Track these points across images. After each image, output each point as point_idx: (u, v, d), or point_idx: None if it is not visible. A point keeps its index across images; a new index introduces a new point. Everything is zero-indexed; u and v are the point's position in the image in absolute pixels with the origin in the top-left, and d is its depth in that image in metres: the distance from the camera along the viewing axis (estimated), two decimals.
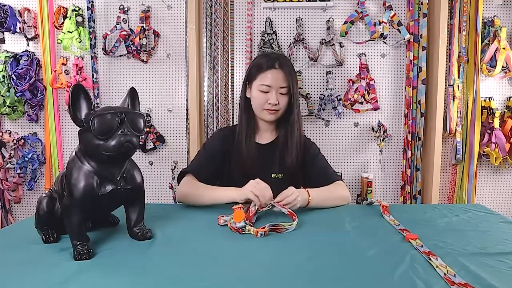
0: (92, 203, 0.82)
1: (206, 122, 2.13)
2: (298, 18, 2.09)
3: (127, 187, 0.85)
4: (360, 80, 2.06)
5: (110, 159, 0.81)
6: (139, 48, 2.07)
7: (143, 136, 0.89)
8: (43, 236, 0.88)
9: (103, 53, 2.12)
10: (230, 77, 2.12)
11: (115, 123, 0.78)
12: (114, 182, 0.83)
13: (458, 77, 2.06)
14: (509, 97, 2.09)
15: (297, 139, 1.36)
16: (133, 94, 0.92)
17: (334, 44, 2.08)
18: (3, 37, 2.15)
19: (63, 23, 2.09)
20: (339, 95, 2.09)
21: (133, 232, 0.90)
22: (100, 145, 0.78)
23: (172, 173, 2.18)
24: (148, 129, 2.17)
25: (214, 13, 2.10)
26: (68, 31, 2.05)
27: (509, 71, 2.00)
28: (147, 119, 2.18)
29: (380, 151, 2.15)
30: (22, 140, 2.18)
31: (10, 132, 2.20)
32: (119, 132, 0.78)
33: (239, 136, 1.37)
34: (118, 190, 0.83)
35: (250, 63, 1.45)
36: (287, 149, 1.35)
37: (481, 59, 2.01)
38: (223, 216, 1.02)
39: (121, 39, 2.08)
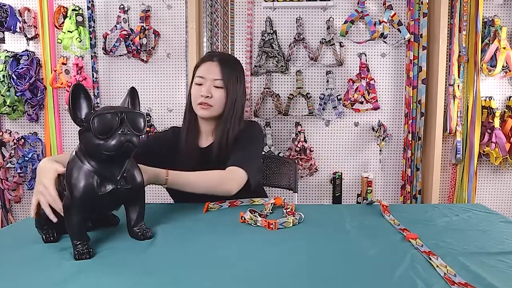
0: (92, 202, 0.81)
1: None
2: (298, 18, 2.08)
3: (127, 186, 0.85)
4: (360, 80, 2.05)
5: (110, 159, 0.80)
6: (139, 47, 2.07)
7: (143, 136, 0.88)
8: (43, 236, 0.88)
9: (103, 53, 2.11)
10: None
11: (115, 123, 0.78)
12: (114, 181, 0.83)
13: (458, 77, 2.06)
14: (509, 97, 2.09)
15: (232, 140, 1.27)
16: (133, 93, 0.91)
17: (334, 44, 2.08)
18: (3, 37, 2.15)
19: (63, 22, 2.09)
20: (339, 95, 2.09)
21: (134, 232, 0.90)
22: (100, 145, 0.77)
23: None
24: (148, 129, 2.17)
25: (214, 13, 2.10)
26: (68, 31, 2.05)
27: (509, 70, 2.00)
28: (147, 119, 2.18)
29: (380, 150, 2.15)
30: (22, 140, 2.18)
31: (10, 131, 2.20)
32: (119, 132, 0.78)
33: (182, 136, 1.34)
34: (118, 190, 0.83)
35: None
36: (226, 153, 1.26)
37: (481, 58, 2.01)
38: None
39: (121, 39, 2.08)
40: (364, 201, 2.13)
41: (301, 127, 2.13)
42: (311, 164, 2.10)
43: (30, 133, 2.23)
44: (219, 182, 1.16)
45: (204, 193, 1.15)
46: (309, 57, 2.08)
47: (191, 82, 1.35)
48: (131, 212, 0.91)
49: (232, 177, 1.18)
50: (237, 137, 1.29)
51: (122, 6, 2.10)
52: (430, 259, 0.75)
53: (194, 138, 1.35)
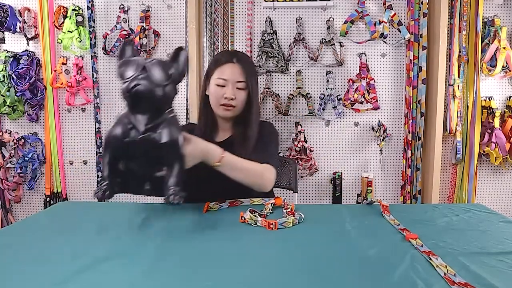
0: (122, 148, 0.84)
1: None
2: (298, 18, 2.08)
3: (154, 139, 0.84)
4: (360, 80, 2.05)
5: (135, 105, 0.83)
6: (139, 47, 2.07)
7: (163, 92, 0.84)
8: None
9: (103, 53, 2.12)
10: None
11: (136, 67, 0.81)
12: (139, 131, 0.83)
13: (458, 77, 2.05)
14: (509, 97, 2.09)
15: (254, 138, 1.30)
16: (177, 52, 0.91)
17: (334, 44, 2.08)
18: (3, 37, 2.15)
19: (63, 22, 2.09)
20: (339, 95, 2.09)
21: (165, 193, 0.88)
22: (122, 87, 0.82)
23: None
24: None
25: (214, 13, 2.10)
26: (68, 31, 2.05)
27: (510, 70, 2.00)
28: None
29: (380, 150, 2.15)
30: (22, 140, 2.18)
31: (10, 131, 2.20)
32: (137, 76, 0.81)
33: (197, 133, 1.31)
34: (145, 141, 0.83)
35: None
36: (244, 148, 1.28)
37: (481, 58, 2.01)
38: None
39: (121, 39, 2.08)
40: (364, 201, 2.13)
41: (301, 127, 2.13)
42: (311, 164, 2.10)
43: (30, 133, 2.23)
44: (261, 175, 1.18)
45: (245, 183, 1.15)
46: (309, 57, 2.08)
47: (204, 80, 1.36)
48: (167, 172, 0.89)
49: (269, 174, 1.21)
50: (258, 136, 1.32)
51: (122, 6, 2.10)
52: (430, 259, 0.75)
53: (211, 133, 1.37)
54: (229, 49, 2.11)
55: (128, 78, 0.81)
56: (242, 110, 1.33)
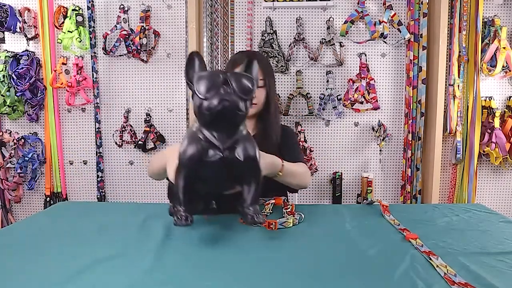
0: (199, 170, 0.79)
1: None
2: (298, 18, 2.08)
3: (236, 157, 0.79)
4: (360, 80, 2.05)
5: (215, 123, 0.77)
6: (139, 47, 2.07)
7: (245, 107, 0.78)
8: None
9: (103, 53, 2.12)
10: None
11: (218, 82, 0.74)
12: (220, 150, 0.78)
13: (459, 77, 2.06)
14: (509, 97, 2.09)
15: (276, 135, 1.34)
16: (249, 64, 0.88)
17: (334, 44, 2.08)
18: (3, 37, 2.15)
19: (63, 22, 2.09)
20: (339, 95, 2.09)
21: (245, 214, 0.83)
22: (202, 104, 0.74)
23: None
24: (148, 129, 2.17)
25: (214, 13, 2.10)
26: (68, 31, 2.05)
27: (510, 70, 2.00)
28: (147, 119, 2.18)
29: (380, 150, 2.15)
30: (22, 140, 2.18)
31: (10, 131, 2.20)
32: (221, 91, 0.74)
33: None
34: (226, 161, 0.78)
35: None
36: (266, 146, 1.28)
37: (481, 58, 2.01)
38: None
39: (121, 39, 2.08)
40: (364, 201, 2.13)
41: (301, 127, 2.13)
42: (311, 164, 2.10)
43: (30, 133, 2.23)
44: (305, 175, 1.23)
45: (293, 185, 1.20)
46: (309, 57, 2.08)
47: None
48: (244, 191, 0.84)
49: (308, 173, 1.27)
50: (285, 139, 1.37)
51: (122, 6, 2.10)
52: (430, 259, 0.75)
53: None
54: (229, 50, 2.11)
55: (209, 94, 0.73)
56: (261, 109, 1.36)
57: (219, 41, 2.11)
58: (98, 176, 2.22)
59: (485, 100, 2.07)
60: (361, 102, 2.07)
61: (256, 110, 1.35)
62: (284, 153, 1.32)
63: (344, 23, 2.04)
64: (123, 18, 2.09)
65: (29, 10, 2.12)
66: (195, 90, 0.75)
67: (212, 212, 0.91)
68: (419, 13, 2.03)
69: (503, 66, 1.99)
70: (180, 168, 0.79)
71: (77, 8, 2.08)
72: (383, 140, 2.08)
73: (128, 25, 2.10)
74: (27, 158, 2.16)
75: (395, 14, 2.03)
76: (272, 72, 1.38)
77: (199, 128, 0.79)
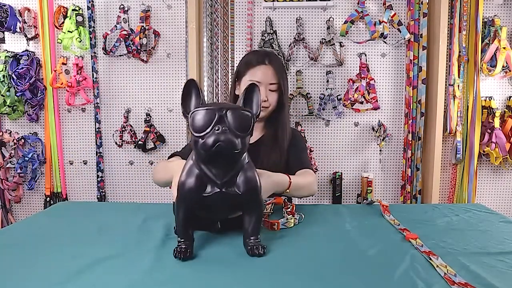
0: (198, 203, 0.77)
1: None
2: (298, 18, 2.08)
3: (235, 192, 0.77)
4: (360, 80, 2.06)
5: (212, 159, 0.75)
6: (139, 47, 2.07)
7: (243, 143, 0.75)
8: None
9: (103, 53, 2.12)
10: (230, 77, 2.12)
11: (212, 120, 0.71)
12: (217, 184, 0.76)
13: (459, 77, 2.06)
14: (509, 97, 2.09)
15: (286, 137, 1.33)
16: (252, 89, 0.82)
17: (334, 44, 2.08)
18: (3, 37, 2.15)
19: (63, 22, 2.09)
20: (339, 95, 2.09)
21: (246, 244, 0.82)
22: (198, 143, 0.72)
23: None
24: (148, 129, 2.17)
25: (214, 13, 2.10)
26: (68, 31, 2.05)
27: (510, 70, 2.00)
28: (147, 119, 2.18)
29: (380, 150, 2.15)
30: (22, 140, 2.18)
31: (10, 131, 2.20)
32: (216, 130, 0.71)
33: None
34: (225, 194, 0.77)
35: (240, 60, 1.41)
36: (275, 148, 1.31)
37: (481, 58, 2.01)
38: None
39: (121, 39, 2.08)
40: (364, 201, 2.13)
41: (301, 127, 2.13)
42: (311, 164, 2.10)
43: (30, 133, 2.23)
44: (312, 185, 1.21)
45: (302, 196, 1.19)
46: (309, 57, 2.08)
47: (234, 80, 1.37)
48: (245, 221, 0.83)
49: (316, 180, 1.25)
50: (294, 142, 1.35)
51: (122, 6, 2.10)
52: (430, 259, 0.75)
53: None
54: (229, 50, 2.11)
55: (205, 132, 0.71)
56: (273, 111, 1.33)
57: (219, 41, 2.11)
58: (98, 176, 2.22)
59: (485, 100, 2.07)
60: (361, 102, 2.07)
61: (267, 113, 1.33)
62: (291, 157, 1.32)
63: (344, 23, 2.04)
64: (123, 18, 2.09)
65: (29, 10, 2.12)
66: (189, 127, 0.74)
67: (215, 230, 0.90)
68: (419, 13, 2.03)
69: (503, 66, 1.99)
70: (179, 200, 0.78)
71: (77, 8, 2.08)
72: (383, 140, 2.08)
73: (128, 25, 2.10)
74: (27, 158, 2.16)
75: (395, 14, 2.03)
76: (285, 74, 1.34)
77: (197, 161, 0.77)
